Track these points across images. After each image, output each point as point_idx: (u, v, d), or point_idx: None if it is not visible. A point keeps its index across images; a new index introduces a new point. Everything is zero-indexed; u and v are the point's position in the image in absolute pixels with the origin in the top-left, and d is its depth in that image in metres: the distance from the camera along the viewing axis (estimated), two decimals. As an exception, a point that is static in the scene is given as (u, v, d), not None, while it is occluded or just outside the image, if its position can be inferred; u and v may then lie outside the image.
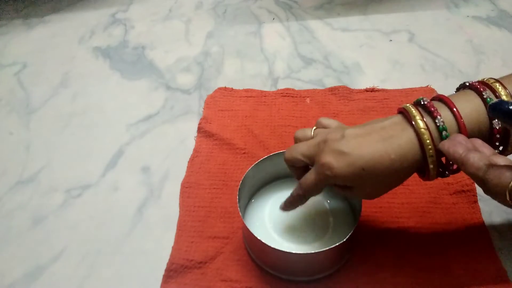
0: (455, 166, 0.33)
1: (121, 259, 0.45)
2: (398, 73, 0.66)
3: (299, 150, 0.37)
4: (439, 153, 0.32)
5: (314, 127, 0.39)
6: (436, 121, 0.32)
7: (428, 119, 0.33)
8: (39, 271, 0.44)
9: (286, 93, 0.62)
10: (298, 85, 0.65)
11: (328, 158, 0.34)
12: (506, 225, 0.45)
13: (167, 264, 0.43)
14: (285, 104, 0.60)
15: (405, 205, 0.47)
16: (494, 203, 0.47)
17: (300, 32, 0.77)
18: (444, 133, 0.32)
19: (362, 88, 0.62)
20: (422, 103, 0.34)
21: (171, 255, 0.44)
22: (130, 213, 0.49)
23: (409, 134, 0.33)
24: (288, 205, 0.40)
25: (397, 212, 0.46)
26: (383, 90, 0.62)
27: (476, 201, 0.47)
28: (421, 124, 0.32)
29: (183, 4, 0.87)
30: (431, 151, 0.32)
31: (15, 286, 0.43)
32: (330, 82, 0.65)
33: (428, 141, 0.32)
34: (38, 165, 0.55)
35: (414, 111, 0.33)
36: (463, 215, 0.45)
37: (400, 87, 0.62)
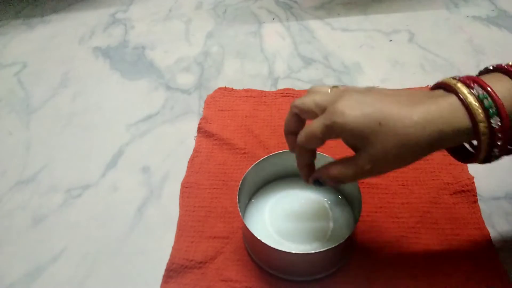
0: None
1: (121, 259, 0.45)
2: (398, 73, 0.66)
3: (312, 97, 0.32)
4: (492, 128, 0.27)
5: (333, 86, 0.34)
6: (475, 91, 0.28)
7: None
8: (39, 271, 0.44)
9: (286, 93, 0.62)
10: (298, 85, 0.65)
11: (342, 104, 0.29)
12: (506, 225, 0.45)
13: (167, 264, 0.43)
14: (285, 104, 0.60)
15: (405, 205, 0.47)
16: (494, 203, 0.47)
17: (300, 32, 0.77)
18: (486, 101, 0.27)
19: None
20: (457, 78, 0.30)
21: (171, 255, 0.44)
22: (130, 213, 0.49)
23: (450, 99, 0.28)
24: (300, 170, 0.36)
25: (397, 212, 0.46)
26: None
27: (476, 201, 0.47)
28: (466, 90, 0.28)
29: (183, 4, 0.87)
30: (481, 116, 0.27)
31: (15, 286, 0.43)
32: (330, 82, 0.65)
33: (477, 107, 0.27)
34: (38, 165, 0.55)
35: (453, 81, 0.29)
36: (463, 215, 0.45)
37: (400, 87, 0.62)
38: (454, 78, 0.30)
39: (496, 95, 0.28)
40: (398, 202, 0.47)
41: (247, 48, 0.73)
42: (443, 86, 0.30)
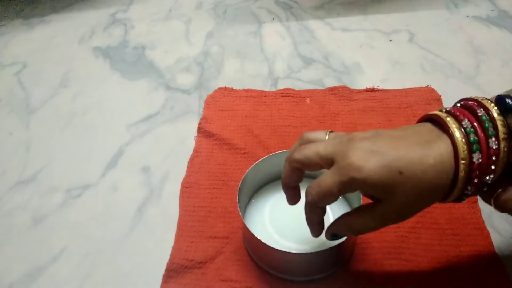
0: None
1: (121, 259, 0.45)
2: (398, 73, 0.66)
3: (314, 149, 0.31)
4: (471, 169, 0.27)
5: (329, 130, 0.33)
6: (463, 123, 0.27)
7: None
8: (39, 271, 0.44)
9: (286, 93, 0.62)
10: (298, 85, 0.65)
11: (357, 157, 0.28)
12: (506, 225, 0.45)
13: (167, 264, 0.43)
14: (285, 104, 0.60)
15: (405, 205, 0.47)
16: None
17: (300, 32, 0.77)
18: (472, 136, 0.27)
19: (362, 88, 0.62)
20: (449, 111, 0.29)
21: (171, 255, 0.44)
22: (130, 213, 0.49)
23: (446, 140, 0.28)
24: (311, 227, 0.35)
25: (397, 212, 0.46)
26: (383, 90, 0.62)
27: (476, 201, 0.47)
28: (457, 132, 0.27)
29: (183, 4, 0.87)
30: (463, 161, 0.27)
31: (15, 286, 0.43)
32: (330, 82, 0.65)
33: (464, 146, 0.27)
34: (38, 165, 0.55)
35: (445, 114, 0.29)
36: (463, 215, 0.45)
37: (400, 87, 0.62)
38: (447, 110, 0.29)
39: (481, 128, 0.27)
40: (398, 202, 0.47)
41: (247, 48, 0.73)
42: (435, 119, 0.30)
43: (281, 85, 0.65)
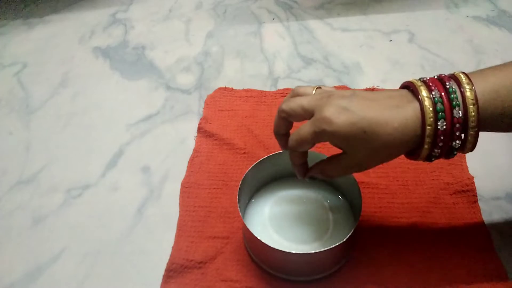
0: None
1: (121, 259, 0.45)
2: (398, 73, 0.66)
3: (299, 102, 0.35)
4: (436, 131, 0.31)
5: (316, 87, 0.37)
6: (433, 93, 0.31)
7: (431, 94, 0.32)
8: (39, 271, 0.44)
9: (286, 93, 0.62)
10: (298, 85, 0.64)
11: (330, 112, 0.31)
12: (506, 225, 0.45)
13: (167, 264, 0.43)
14: (285, 104, 0.60)
15: (405, 205, 0.47)
16: (494, 203, 0.47)
17: (300, 32, 0.77)
18: (439, 105, 0.31)
19: (362, 88, 0.62)
20: (424, 80, 0.33)
21: (171, 255, 0.44)
22: (130, 213, 0.49)
23: (415, 106, 0.31)
24: (295, 168, 0.39)
25: (397, 212, 0.46)
26: (383, 90, 0.62)
27: (476, 201, 0.47)
28: (426, 100, 0.31)
29: (183, 4, 0.87)
30: (429, 127, 0.31)
31: (15, 286, 0.43)
32: (330, 82, 0.65)
33: (430, 114, 0.31)
34: (38, 165, 0.55)
35: (419, 83, 0.32)
36: (463, 215, 0.45)
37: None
38: (422, 80, 0.33)
39: (447, 99, 0.31)
40: (398, 202, 0.47)
41: (247, 48, 0.73)
42: (411, 87, 0.33)
43: (281, 85, 0.65)
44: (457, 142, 0.32)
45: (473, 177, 0.49)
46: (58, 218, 0.49)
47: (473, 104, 0.30)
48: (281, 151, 0.45)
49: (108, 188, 0.52)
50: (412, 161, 0.50)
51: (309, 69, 0.68)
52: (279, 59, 0.70)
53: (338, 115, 0.31)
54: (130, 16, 0.85)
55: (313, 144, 0.34)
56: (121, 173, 0.54)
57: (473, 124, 0.31)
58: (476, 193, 0.47)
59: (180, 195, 0.50)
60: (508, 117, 0.31)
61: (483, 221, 0.45)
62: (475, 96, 0.31)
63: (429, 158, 0.33)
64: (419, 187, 0.48)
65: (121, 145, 0.57)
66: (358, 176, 0.49)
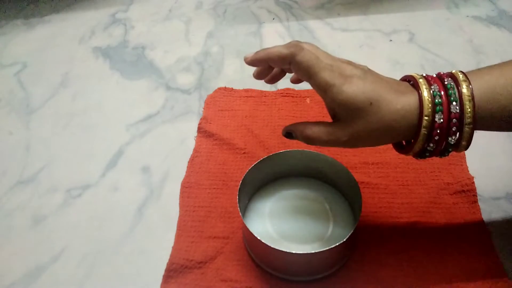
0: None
1: (121, 259, 0.45)
2: (398, 73, 0.65)
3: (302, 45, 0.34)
4: (432, 127, 0.31)
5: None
6: (432, 87, 0.31)
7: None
8: (39, 271, 0.44)
9: (286, 93, 0.62)
10: (298, 85, 0.64)
11: (349, 71, 0.32)
12: (506, 225, 0.45)
13: (167, 264, 0.43)
14: (285, 104, 0.60)
15: (405, 205, 0.47)
16: (494, 203, 0.47)
17: (300, 32, 0.77)
18: (437, 99, 0.31)
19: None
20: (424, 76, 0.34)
21: (171, 255, 0.44)
22: (130, 213, 0.49)
23: (416, 96, 0.32)
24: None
25: (397, 212, 0.46)
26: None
27: (476, 201, 0.47)
28: (425, 92, 0.31)
29: (183, 4, 0.87)
30: (428, 111, 0.31)
31: (15, 286, 0.43)
32: (330, 82, 0.65)
33: (429, 105, 0.31)
34: (38, 165, 0.55)
35: (419, 77, 0.33)
36: (463, 215, 0.45)
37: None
38: (422, 75, 0.33)
39: (445, 94, 0.31)
40: (398, 202, 0.47)
41: (247, 48, 0.73)
42: (411, 81, 0.33)
43: (281, 85, 0.65)
44: (453, 137, 0.32)
45: (473, 177, 0.49)
46: (58, 218, 0.49)
47: (469, 101, 0.31)
48: (281, 151, 0.45)
49: (108, 188, 0.52)
50: (412, 161, 0.51)
51: (309, 69, 0.68)
52: (279, 59, 0.70)
53: (353, 78, 0.31)
54: (130, 16, 0.85)
55: (287, 64, 0.34)
56: (121, 173, 0.54)
57: (469, 120, 0.31)
58: (476, 193, 0.47)
59: (180, 195, 0.50)
60: (504, 116, 0.31)
61: (483, 221, 0.45)
62: (472, 93, 0.31)
63: (422, 154, 0.33)
64: (419, 187, 0.48)
65: (121, 145, 0.57)
66: (358, 176, 0.49)
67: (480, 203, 0.46)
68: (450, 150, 0.33)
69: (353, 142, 0.33)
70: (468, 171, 0.50)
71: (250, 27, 0.79)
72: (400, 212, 0.46)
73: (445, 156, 0.33)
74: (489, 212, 0.46)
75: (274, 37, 0.76)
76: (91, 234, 0.47)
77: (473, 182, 0.48)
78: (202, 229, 0.46)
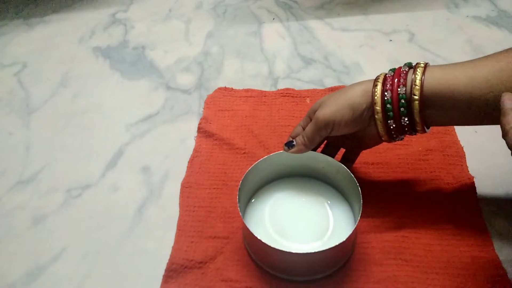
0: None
1: (121, 259, 0.45)
2: (398, 73, 0.66)
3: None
4: (383, 97, 0.39)
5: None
6: (387, 74, 0.41)
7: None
8: (39, 271, 0.44)
9: (286, 93, 0.62)
10: (298, 85, 0.65)
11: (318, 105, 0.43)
12: (506, 225, 0.45)
13: (167, 264, 0.43)
14: (285, 104, 0.60)
15: (405, 205, 0.47)
16: (494, 203, 0.47)
17: (300, 32, 0.77)
18: (387, 94, 0.39)
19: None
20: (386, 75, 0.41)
21: (171, 255, 0.44)
22: (130, 213, 0.49)
23: (370, 82, 0.41)
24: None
25: (397, 212, 0.46)
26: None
27: (476, 201, 0.47)
28: (379, 85, 0.40)
29: (183, 4, 0.87)
30: (377, 104, 0.39)
31: (15, 286, 0.43)
32: (330, 82, 0.65)
33: (377, 96, 0.39)
34: (38, 165, 0.55)
35: (381, 76, 0.41)
36: (463, 215, 0.45)
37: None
38: (385, 76, 0.41)
39: (396, 92, 0.39)
40: (398, 202, 0.47)
41: (247, 48, 0.73)
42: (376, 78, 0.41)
43: (281, 85, 0.65)
44: (404, 108, 0.38)
45: (473, 177, 0.49)
46: (58, 218, 0.49)
47: (419, 80, 0.38)
48: (281, 151, 0.45)
49: (108, 188, 0.52)
50: (412, 161, 0.51)
51: (309, 69, 0.68)
52: (279, 59, 0.70)
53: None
54: (130, 16, 0.85)
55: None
56: (121, 173, 0.54)
57: (416, 97, 0.37)
58: (476, 193, 0.47)
59: (180, 195, 0.50)
60: (456, 104, 0.36)
61: (483, 221, 0.45)
62: (423, 71, 0.38)
63: (389, 133, 0.40)
64: (419, 187, 0.48)
65: (121, 145, 0.57)
66: (358, 176, 0.49)
67: (480, 203, 0.46)
68: (406, 123, 0.39)
69: (330, 125, 0.41)
70: (468, 171, 0.50)
71: (250, 27, 0.79)
72: (400, 212, 0.46)
73: (411, 133, 0.40)
74: (489, 212, 0.46)
75: (274, 37, 0.76)
76: (91, 234, 0.47)
77: (473, 182, 0.48)
78: (202, 229, 0.46)
